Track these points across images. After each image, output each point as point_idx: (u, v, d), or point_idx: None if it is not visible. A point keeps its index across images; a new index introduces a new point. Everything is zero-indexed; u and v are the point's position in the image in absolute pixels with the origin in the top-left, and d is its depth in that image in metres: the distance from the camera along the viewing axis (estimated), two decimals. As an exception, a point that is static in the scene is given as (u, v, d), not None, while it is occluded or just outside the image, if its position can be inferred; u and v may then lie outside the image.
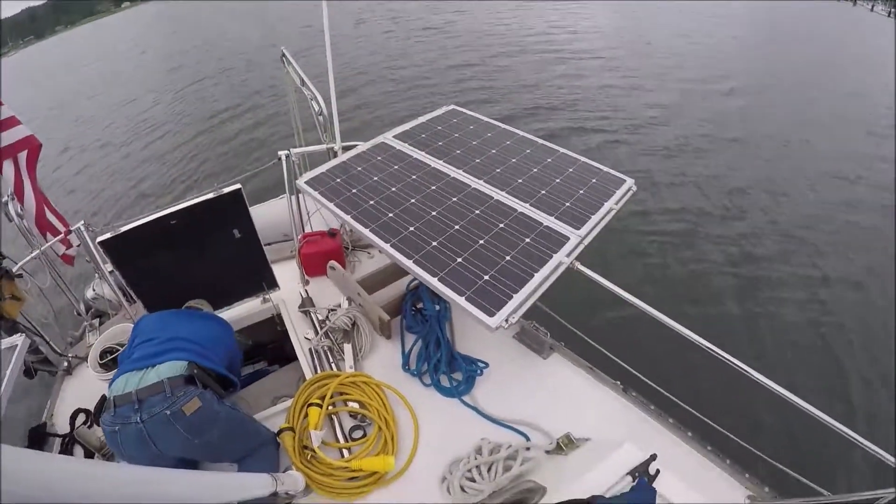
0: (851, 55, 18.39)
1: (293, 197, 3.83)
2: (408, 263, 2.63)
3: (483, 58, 20.20)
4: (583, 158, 3.55)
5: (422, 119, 3.92)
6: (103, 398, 2.55)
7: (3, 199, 4.21)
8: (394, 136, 3.71)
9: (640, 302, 2.51)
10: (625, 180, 3.37)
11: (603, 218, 3.04)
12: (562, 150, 3.63)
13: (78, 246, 4.31)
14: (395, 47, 24.00)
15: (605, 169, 3.47)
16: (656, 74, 16.69)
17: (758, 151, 11.26)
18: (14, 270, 3.74)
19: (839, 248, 8.10)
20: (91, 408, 3.15)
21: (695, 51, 19.51)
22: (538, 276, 2.57)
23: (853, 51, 19.04)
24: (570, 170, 3.41)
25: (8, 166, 4.57)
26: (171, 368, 2.46)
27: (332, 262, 3.68)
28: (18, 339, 3.26)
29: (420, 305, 3.33)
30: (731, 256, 7.96)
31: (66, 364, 3.76)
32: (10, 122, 4.53)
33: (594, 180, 3.33)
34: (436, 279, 2.52)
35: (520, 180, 3.24)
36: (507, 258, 2.65)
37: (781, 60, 18.05)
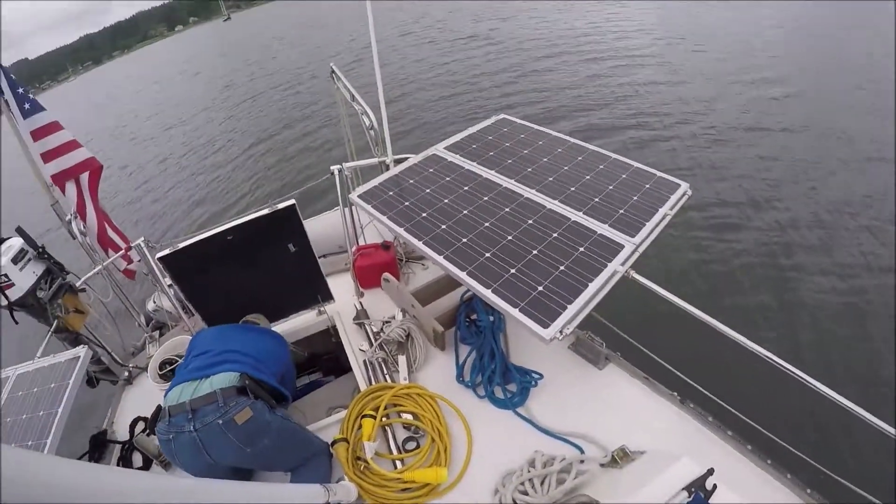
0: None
1: (346, 210, 3.88)
2: (461, 275, 2.63)
3: (526, 61, 20.37)
4: (636, 164, 3.49)
5: (472, 129, 3.91)
6: (159, 408, 2.62)
7: (67, 218, 4.41)
8: (445, 148, 3.71)
9: (697, 311, 2.45)
10: (679, 184, 3.30)
11: (658, 224, 2.97)
12: (614, 155, 3.58)
13: (139, 261, 4.45)
14: (440, 56, 24.34)
15: (659, 173, 3.40)
16: (698, 70, 16.54)
17: (801, 141, 11.02)
18: (77, 285, 3.90)
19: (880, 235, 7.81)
20: (150, 416, 3.26)
21: (737, 45, 19.23)
22: (592, 286, 2.53)
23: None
24: (623, 176, 3.36)
25: (70, 187, 4.79)
26: (224, 379, 2.51)
27: (387, 275, 3.70)
28: (81, 351, 3.38)
29: (474, 317, 3.33)
30: (771, 248, 7.82)
31: (126, 374, 3.90)
32: (72, 146, 4.77)
33: (647, 186, 3.27)
34: (489, 291, 2.51)
35: (572, 188, 3.20)
36: (561, 268, 2.62)
37: (827, 51, 17.60)
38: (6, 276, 3.54)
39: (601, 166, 3.44)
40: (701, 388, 2.95)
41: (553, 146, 3.67)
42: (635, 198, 3.14)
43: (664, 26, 23.85)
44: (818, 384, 2.09)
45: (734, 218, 8.58)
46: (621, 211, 3.02)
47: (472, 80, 19.11)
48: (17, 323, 3.71)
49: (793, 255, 7.63)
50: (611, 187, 3.22)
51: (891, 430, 1.92)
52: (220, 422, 2.34)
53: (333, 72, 4.69)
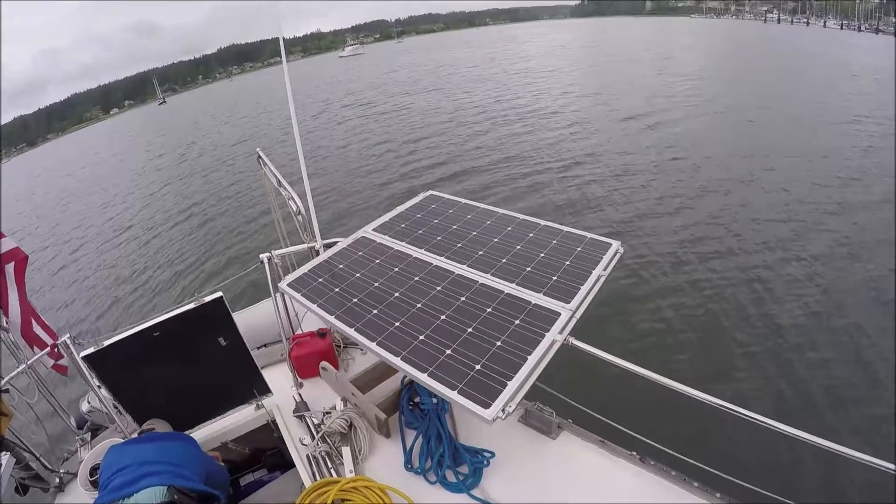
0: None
1: (279, 298, 3.79)
2: (396, 361, 2.55)
3: (444, 133, 21.45)
4: (566, 228, 3.51)
5: (400, 208, 3.90)
6: None
7: None
8: (373, 230, 3.68)
9: (641, 369, 2.41)
10: (610, 244, 3.31)
11: (593, 287, 2.95)
12: (543, 222, 3.59)
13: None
14: (365, 133, 25.21)
15: (590, 235, 3.42)
16: (602, 118, 18.24)
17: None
18: (0, 385, 3.69)
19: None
20: None
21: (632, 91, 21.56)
22: (532, 359, 2.48)
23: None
24: (554, 241, 3.37)
25: None
26: (150, 496, 2.37)
27: (324, 363, 3.60)
28: (4, 458, 3.19)
29: (417, 399, 3.24)
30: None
31: (57, 480, 3.69)
32: None
33: (579, 248, 3.28)
34: (425, 375, 2.44)
35: (504, 260, 3.19)
36: (498, 344, 2.57)
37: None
38: None
39: (531, 234, 3.45)
40: (658, 445, 2.91)
41: (482, 219, 3.68)
42: (568, 263, 3.14)
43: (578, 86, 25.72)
44: (778, 424, 2.05)
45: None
46: (555, 278, 3.00)
47: (398, 156, 19.78)
48: None
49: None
50: (542, 255, 3.22)
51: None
52: None
53: (260, 157, 4.67)
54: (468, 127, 22.53)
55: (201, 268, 13.61)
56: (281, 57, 4.13)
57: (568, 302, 2.82)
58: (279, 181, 4.25)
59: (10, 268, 4.67)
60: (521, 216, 3.68)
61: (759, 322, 7.36)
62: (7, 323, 4.40)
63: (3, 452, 3.29)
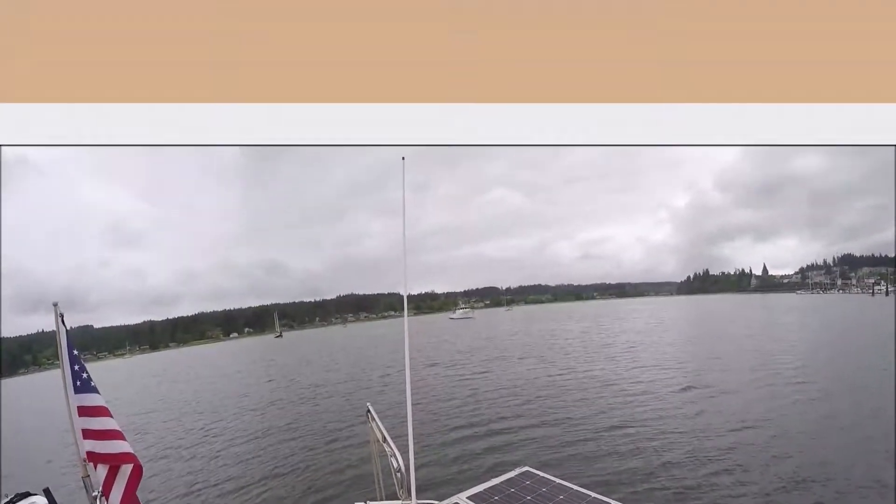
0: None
1: None
2: None
3: (517, 399, 21.22)
4: None
5: (495, 481, 3.99)
6: None
7: (94, 494, 4.50)
8: (467, 498, 3.78)
9: None
10: None
11: None
12: None
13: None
14: (437, 393, 25.31)
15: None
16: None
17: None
18: None
19: None
20: None
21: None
22: None
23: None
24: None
25: (102, 468, 4.88)
26: None
27: None
28: None
29: None
30: None
31: None
32: (114, 435, 4.95)
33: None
34: None
35: (590, 548, 3.19)
36: None
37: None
38: None
39: (620, 524, 3.46)
40: None
41: (574, 501, 3.71)
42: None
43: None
44: None
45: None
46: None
47: (502, 417, 19.70)
48: None
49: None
50: (629, 548, 3.21)
51: None
52: None
53: (369, 411, 4.99)
54: (552, 398, 22.60)
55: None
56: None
57: None
58: (384, 437, 4.50)
59: (126, 469, 5.02)
60: (614, 502, 3.69)
61: None
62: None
63: None
